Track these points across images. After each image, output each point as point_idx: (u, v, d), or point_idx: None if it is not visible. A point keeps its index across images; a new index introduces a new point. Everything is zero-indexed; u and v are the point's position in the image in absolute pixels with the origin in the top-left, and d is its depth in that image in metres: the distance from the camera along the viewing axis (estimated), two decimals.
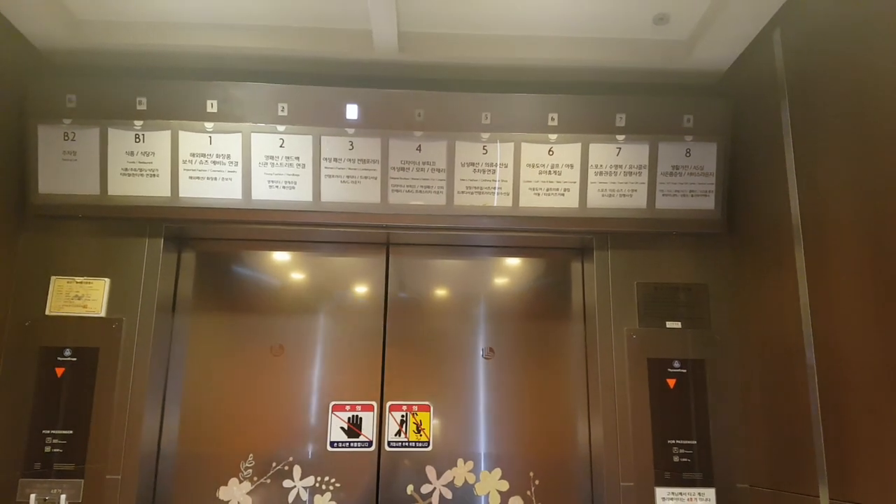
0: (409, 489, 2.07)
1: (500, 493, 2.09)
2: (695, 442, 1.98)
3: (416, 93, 2.07)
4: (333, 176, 2.05)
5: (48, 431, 1.89)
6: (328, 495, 2.05)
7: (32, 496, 1.84)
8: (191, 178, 2.02)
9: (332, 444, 2.09)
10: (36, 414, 1.90)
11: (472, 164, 2.07)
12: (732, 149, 2.09)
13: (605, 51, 2.09)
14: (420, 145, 2.06)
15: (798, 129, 1.76)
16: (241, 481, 2.05)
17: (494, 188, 2.08)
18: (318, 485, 2.06)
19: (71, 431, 1.90)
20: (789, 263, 1.77)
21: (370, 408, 2.13)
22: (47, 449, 1.88)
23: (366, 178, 2.06)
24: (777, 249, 1.84)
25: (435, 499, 2.07)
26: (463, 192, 2.07)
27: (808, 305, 1.69)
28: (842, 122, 1.57)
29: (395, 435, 2.11)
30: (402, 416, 2.13)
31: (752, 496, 1.93)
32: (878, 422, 1.41)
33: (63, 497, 1.84)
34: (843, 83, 1.57)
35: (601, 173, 2.07)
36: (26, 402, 1.90)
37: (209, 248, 2.25)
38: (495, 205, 2.08)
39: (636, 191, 2.07)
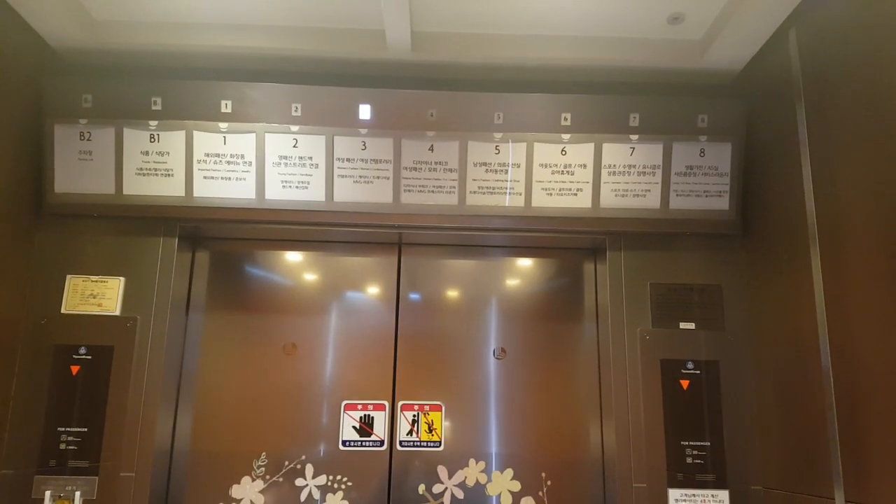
0: (421, 489, 2.07)
1: (511, 493, 2.09)
2: (708, 443, 1.97)
3: (429, 93, 2.07)
4: (346, 176, 2.06)
5: (63, 429, 1.91)
6: (340, 494, 2.05)
7: (47, 493, 1.85)
8: (205, 177, 2.03)
9: (344, 443, 2.09)
10: (51, 411, 1.91)
11: (485, 163, 2.07)
12: (747, 149, 2.08)
13: (619, 50, 2.09)
14: (432, 145, 2.06)
15: (813, 129, 1.75)
16: (253, 479, 2.06)
17: (507, 188, 2.07)
18: (330, 484, 2.06)
19: (85, 429, 1.91)
20: (804, 264, 1.75)
21: (382, 407, 2.13)
22: (62, 446, 1.89)
23: (378, 177, 2.07)
24: (792, 250, 1.83)
25: (447, 499, 2.07)
26: (475, 192, 2.07)
27: (823, 306, 1.68)
28: (857, 121, 1.55)
29: (407, 434, 2.11)
30: (414, 415, 2.13)
31: (766, 498, 1.92)
32: (895, 423, 1.40)
33: (77, 494, 1.86)
34: (858, 83, 1.55)
35: (614, 173, 2.06)
36: (41, 399, 1.92)
37: (223, 248, 2.26)
38: (507, 205, 2.08)
39: (650, 191, 2.06)
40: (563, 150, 2.06)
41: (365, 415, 2.12)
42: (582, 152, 2.06)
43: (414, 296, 2.25)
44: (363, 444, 2.10)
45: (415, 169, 2.07)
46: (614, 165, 2.06)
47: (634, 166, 2.06)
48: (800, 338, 1.78)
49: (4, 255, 1.90)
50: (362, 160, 2.06)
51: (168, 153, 2.03)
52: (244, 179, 2.04)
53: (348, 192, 2.06)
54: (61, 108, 2.01)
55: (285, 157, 2.04)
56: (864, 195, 1.53)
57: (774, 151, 1.95)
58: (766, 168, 2.00)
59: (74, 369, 1.95)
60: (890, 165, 1.44)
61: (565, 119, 2.06)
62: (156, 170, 2.03)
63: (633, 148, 2.06)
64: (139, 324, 1.99)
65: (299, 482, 2.06)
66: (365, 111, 2.05)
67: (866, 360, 1.51)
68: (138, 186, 2.03)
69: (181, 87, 2.03)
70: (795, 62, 1.84)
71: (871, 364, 1.49)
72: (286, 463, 2.07)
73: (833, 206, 1.65)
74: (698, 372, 2.02)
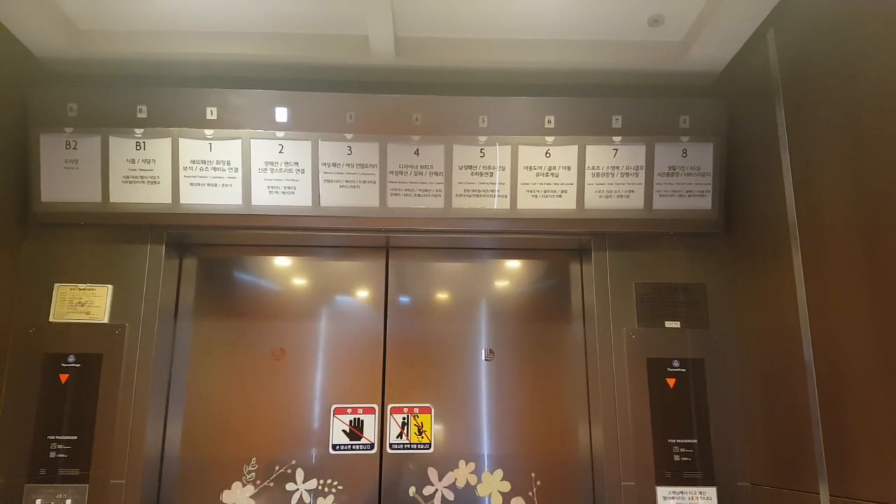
0: (412, 491, 2.08)
1: (501, 494, 2.10)
2: (695, 441, 1.99)
3: (414, 97, 2.08)
4: (332, 181, 2.07)
5: (53, 437, 1.91)
6: (331, 498, 2.06)
7: (38, 501, 1.86)
8: (191, 184, 2.04)
9: (334, 446, 2.10)
10: (40, 420, 1.92)
11: (470, 167, 2.09)
12: (728, 149, 2.10)
13: (601, 53, 2.11)
14: (418, 149, 2.08)
15: (793, 129, 1.78)
16: (244, 485, 2.06)
17: (492, 191, 2.09)
18: (320, 487, 2.07)
19: (75, 437, 1.91)
20: (786, 262, 1.77)
21: (372, 410, 2.14)
22: (52, 454, 1.90)
23: (364, 182, 2.08)
24: (774, 248, 1.85)
25: (437, 500, 2.08)
26: (461, 195, 2.09)
27: (805, 303, 1.70)
28: (836, 121, 1.58)
29: (397, 437, 2.12)
30: (404, 418, 2.14)
31: (753, 494, 1.94)
32: (877, 418, 1.42)
33: (68, 502, 1.86)
34: (836, 83, 1.58)
35: (598, 175, 2.08)
36: (31, 408, 1.92)
37: (210, 254, 2.26)
38: (494, 207, 2.09)
39: (633, 192, 2.08)
40: (547, 153, 2.08)
41: (355, 418, 2.13)
42: (566, 154, 2.08)
43: (402, 299, 2.26)
44: (353, 447, 2.10)
45: (401, 173, 2.08)
46: (598, 167, 2.08)
47: (618, 167, 2.08)
48: (783, 334, 1.80)
49: None
50: (348, 165, 2.07)
51: (154, 160, 2.03)
52: (230, 186, 2.05)
53: (335, 197, 2.07)
54: (47, 118, 2.02)
55: (271, 163, 2.05)
56: (843, 192, 1.55)
57: (755, 151, 1.97)
58: (748, 167, 2.02)
59: (63, 377, 1.95)
60: (867, 163, 1.46)
61: (549, 122, 2.08)
62: (142, 177, 2.03)
63: (617, 149, 2.08)
64: (128, 331, 1.99)
65: (290, 486, 2.07)
66: (350, 116, 2.05)
67: (848, 355, 1.53)
68: (125, 194, 2.03)
69: (166, 94, 2.04)
70: (774, 62, 1.86)
71: (852, 358, 1.51)
72: (276, 468, 2.08)
73: (813, 203, 1.67)
74: (684, 370, 2.04)
